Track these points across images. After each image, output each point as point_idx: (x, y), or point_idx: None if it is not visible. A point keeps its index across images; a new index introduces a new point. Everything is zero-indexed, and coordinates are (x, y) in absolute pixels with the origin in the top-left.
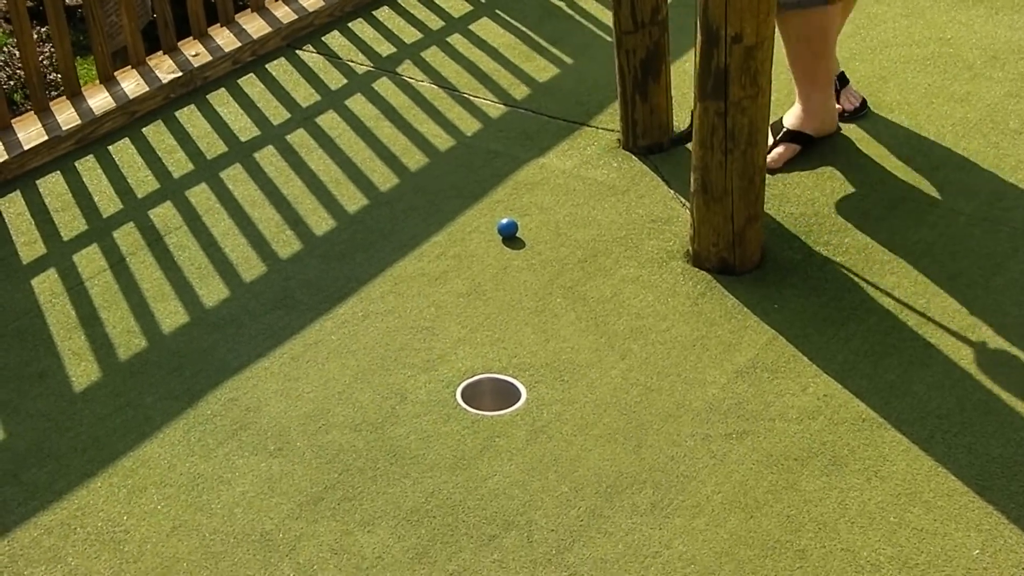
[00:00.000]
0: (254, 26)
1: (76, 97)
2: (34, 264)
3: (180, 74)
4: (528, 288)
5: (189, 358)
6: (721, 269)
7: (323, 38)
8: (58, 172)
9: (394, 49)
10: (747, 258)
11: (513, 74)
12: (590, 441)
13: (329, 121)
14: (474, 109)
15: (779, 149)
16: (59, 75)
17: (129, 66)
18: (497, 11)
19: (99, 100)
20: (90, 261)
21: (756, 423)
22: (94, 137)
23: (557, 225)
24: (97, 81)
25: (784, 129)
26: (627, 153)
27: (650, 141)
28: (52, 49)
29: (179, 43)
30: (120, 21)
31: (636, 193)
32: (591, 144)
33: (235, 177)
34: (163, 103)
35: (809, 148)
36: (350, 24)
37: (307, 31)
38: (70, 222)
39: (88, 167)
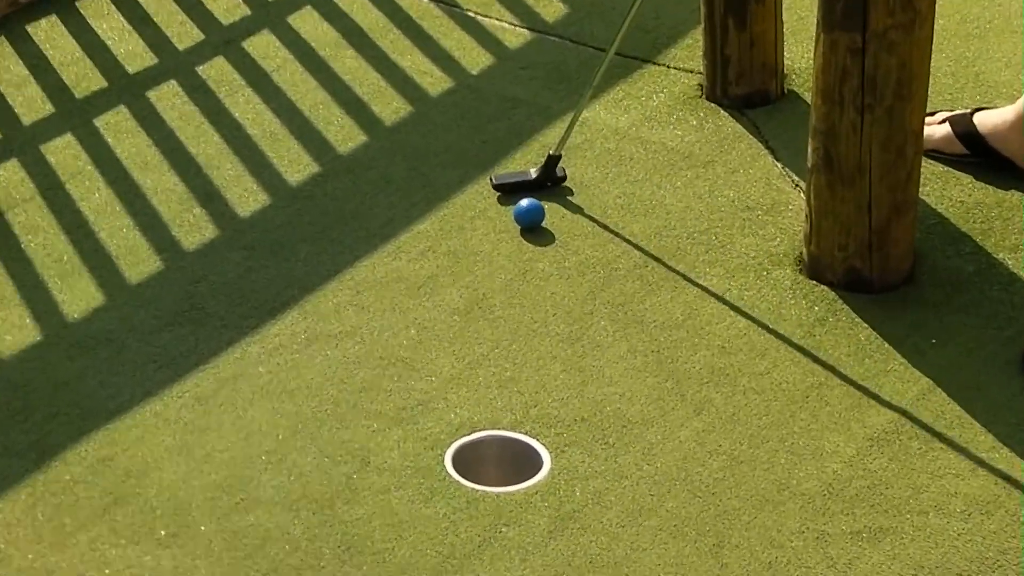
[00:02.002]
0: None
1: None
2: None
3: None
4: (557, 304)
5: (39, 395)
6: (851, 284)
7: None
8: None
9: None
10: (891, 268)
11: None
12: (645, 536)
13: (263, 46)
14: (483, 35)
15: (942, 132)
16: None
17: None
18: None
19: None
20: None
21: (899, 518)
22: None
23: (604, 211)
24: None
25: (972, 132)
26: (713, 106)
27: (748, 89)
28: None
29: None
30: None
31: (725, 166)
32: (659, 91)
33: (117, 126)
34: (8, 11)
35: (993, 165)
36: None
37: None
38: None
39: None
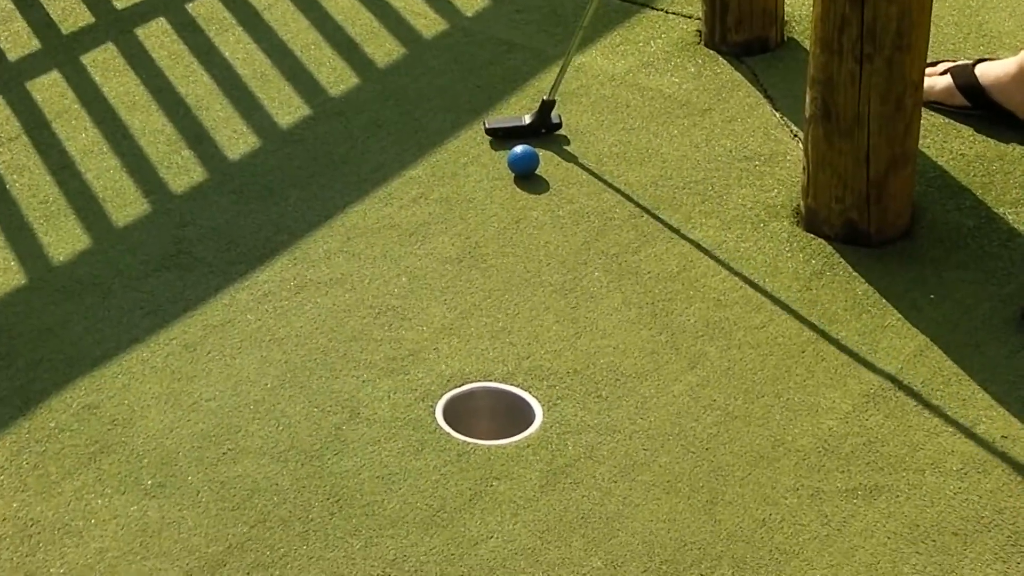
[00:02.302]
0: None
1: None
2: None
3: None
4: (551, 254)
5: (23, 341)
6: (849, 237)
7: None
8: None
9: None
10: (889, 222)
11: None
12: (638, 491)
13: None
14: None
15: (943, 84)
16: None
17: None
18: None
19: None
20: None
21: (895, 475)
22: None
23: (599, 159)
24: None
25: (973, 83)
26: (711, 53)
27: (748, 36)
28: None
29: None
30: None
31: (722, 115)
32: (656, 37)
33: (105, 64)
34: None
35: (994, 118)
36: None
37: None
38: None
39: None
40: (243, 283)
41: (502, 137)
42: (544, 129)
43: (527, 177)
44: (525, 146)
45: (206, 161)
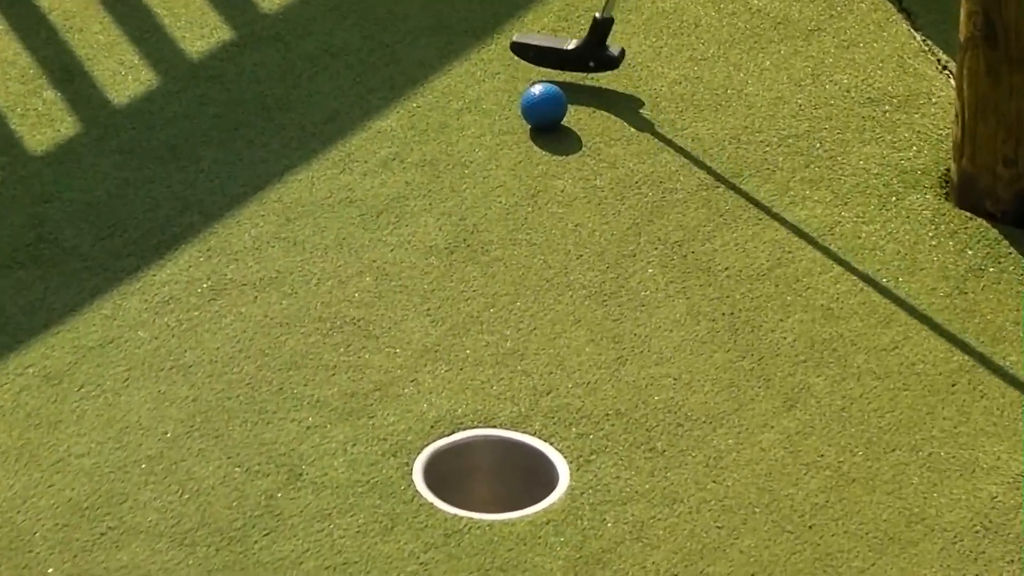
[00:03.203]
0: None
1: None
2: None
3: None
4: (584, 242)
5: None
6: (1022, 216)
7: None
8: None
9: None
10: None
11: None
12: None
13: None
14: None
15: None
16: None
17: None
18: None
19: None
20: None
21: None
22: None
23: (655, 104)
24: None
25: None
26: None
27: None
28: None
29: None
30: None
31: (837, 37)
32: None
33: None
34: None
35: None
36: None
37: None
38: None
39: None
40: (132, 284)
41: (533, 60)
42: (594, 63)
43: (549, 129)
44: (547, 85)
45: (78, 106)
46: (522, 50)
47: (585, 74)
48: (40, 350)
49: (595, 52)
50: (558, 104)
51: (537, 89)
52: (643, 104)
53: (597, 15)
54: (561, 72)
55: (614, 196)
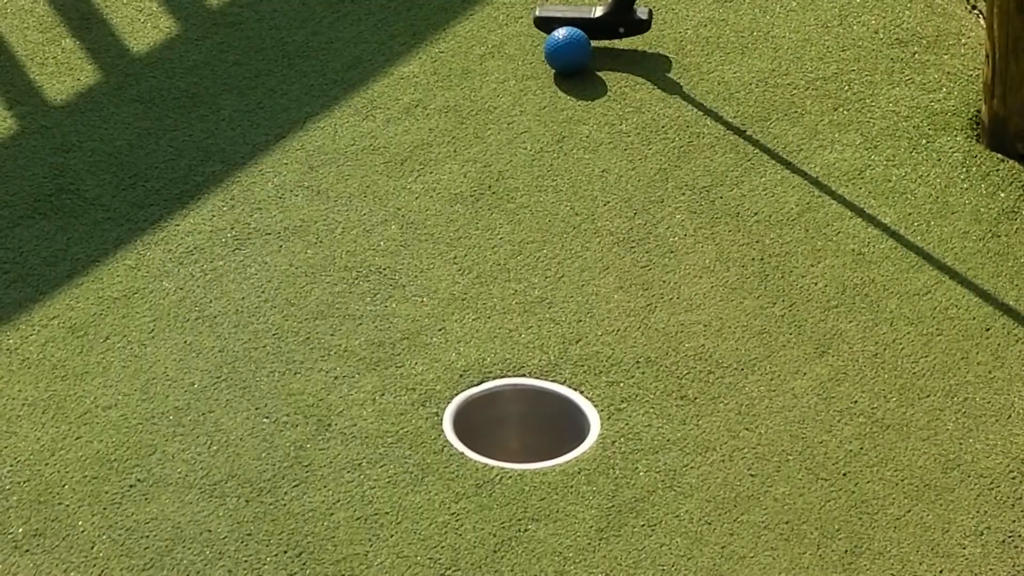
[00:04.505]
0: None
1: None
2: None
3: None
4: (611, 188)
5: None
6: None
7: None
8: None
9: None
10: None
11: None
12: (743, 538)
13: None
14: None
15: None
16: None
17: None
18: None
19: None
20: None
21: None
22: None
23: (681, 46)
24: None
25: None
26: None
27: None
28: None
29: None
30: None
31: None
32: None
33: None
34: None
35: None
36: None
37: None
38: None
39: None
40: (156, 235)
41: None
42: (624, 28)
43: (574, 74)
44: (571, 28)
45: (97, 54)
46: (546, 24)
47: (616, 40)
48: (64, 301)
49: (624, 16)
50: (581, 47)
51: (561, 32)
52: (668, 47)
53: None
54: (596, 35)
55: (640, 141)
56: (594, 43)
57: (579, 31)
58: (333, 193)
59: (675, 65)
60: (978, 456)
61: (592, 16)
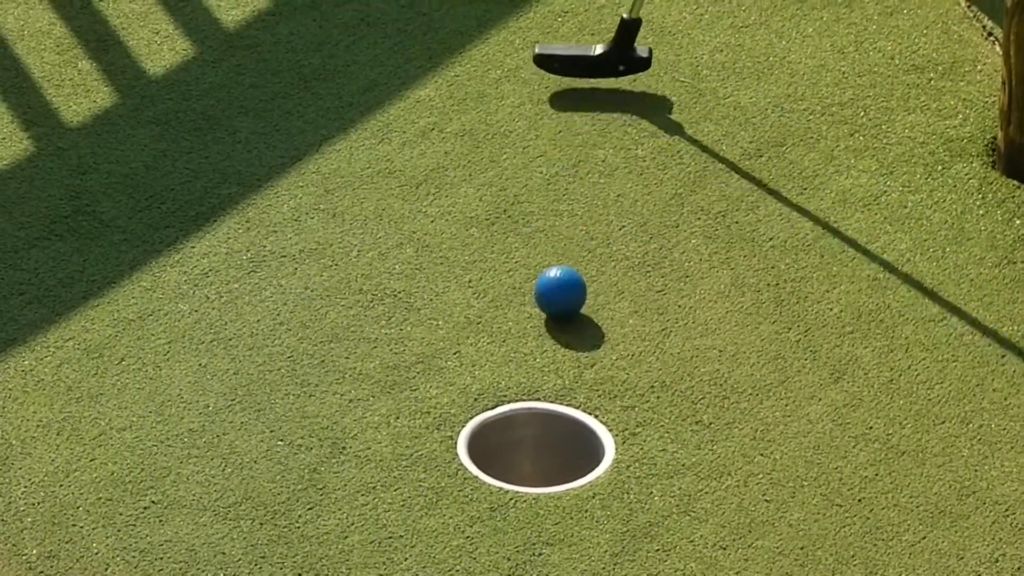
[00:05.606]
0: None
1: None
2: None
3: None
4: (626, 212)
5: None
6: None
7: None
8: None
9: None
10: None
11: None
12: (757, 563)
13: None
14: None
15: None
16: None
17: None
18: None
19: None
20: None
21: None
22: None
23: (696, 72)
24: None
25: None
26: None
27: None
28: None
29: None
30: None
31: (880, 3)
32: None
33: None
34: None
35: None
36: None
37: None
38: None
39: None
40: (171, 257)
41: (558, 71)
42: (623, 66)
43: (563, 318)
44: (564, 267)
45: (115, 76)
46: (546, 62)
47: (614, 78)
48: (80, 323)
49: (624, 55)
50: (575, 291)
51: (554, 272)
52: (684, 72)
53: (624, 15)
54: (590, 92)
55: (656, 166)
56: (594, 81)
57: (573, 271)
58: (349, 216)
59: (691, 90)
60: (994, 483)
61: (592, 54)
